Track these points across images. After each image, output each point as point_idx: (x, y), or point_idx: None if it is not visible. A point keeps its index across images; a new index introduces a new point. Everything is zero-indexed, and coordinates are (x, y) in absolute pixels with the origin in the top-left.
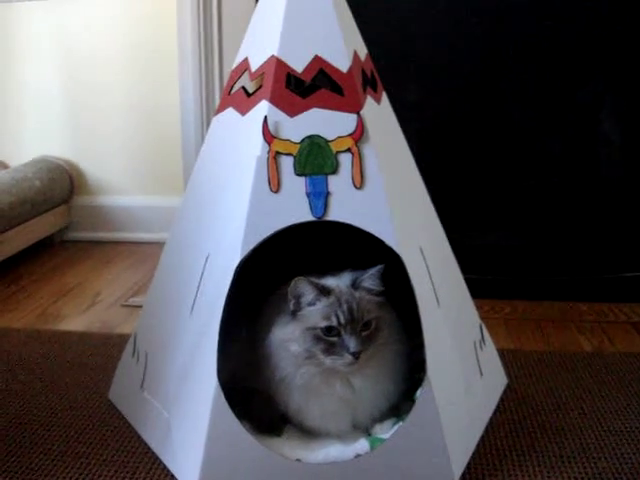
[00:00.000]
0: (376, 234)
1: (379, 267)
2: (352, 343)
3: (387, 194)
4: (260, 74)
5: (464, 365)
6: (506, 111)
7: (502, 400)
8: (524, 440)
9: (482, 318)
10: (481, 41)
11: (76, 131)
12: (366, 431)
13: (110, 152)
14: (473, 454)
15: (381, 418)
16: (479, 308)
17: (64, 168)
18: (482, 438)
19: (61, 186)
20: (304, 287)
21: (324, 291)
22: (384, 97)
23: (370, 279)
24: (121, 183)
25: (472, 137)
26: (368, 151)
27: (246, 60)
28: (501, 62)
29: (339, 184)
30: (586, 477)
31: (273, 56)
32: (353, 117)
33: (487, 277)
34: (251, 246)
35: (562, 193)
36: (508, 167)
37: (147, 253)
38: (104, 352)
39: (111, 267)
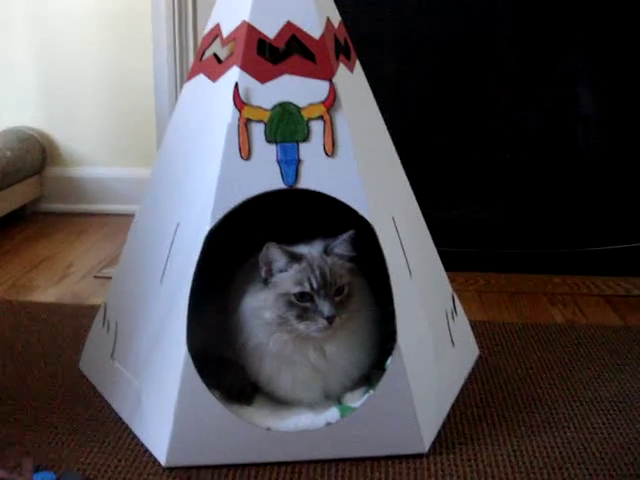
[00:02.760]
0: (348, 202)
1: (350, 232)
2: (326, 308)
3: (359, 162)
4: (231, 40)
5: (435, 335)
6: (482, 85)
7: (473, 370)
8: (495, 410)
9: (456, 290)
10: (458, 14)
11: (48, 101)
12: (337, 400)
13: (83, 122)
14: (444, 423)
15: (352, 387)
16: (453, 280)
17: (36, 139)
18: (453, 407)
19: (33, 157)
20: (275, 253)
21: (295, 257)
22: (357, 65)
23: (342, 245)
24: (94, 154)
25: (447, 111)
26: (340, 119)
27: (217, 26)
28: (478, 35)
29: (310, 152)
30: (555, 446)
31: (244, 22)
32: (325, 84)
33: (461, 250)
34: (221, 214)
35: (537, 167)
36: (484, 141)
37: (120, 225)
38: (75, 323)
39: (84, 239)
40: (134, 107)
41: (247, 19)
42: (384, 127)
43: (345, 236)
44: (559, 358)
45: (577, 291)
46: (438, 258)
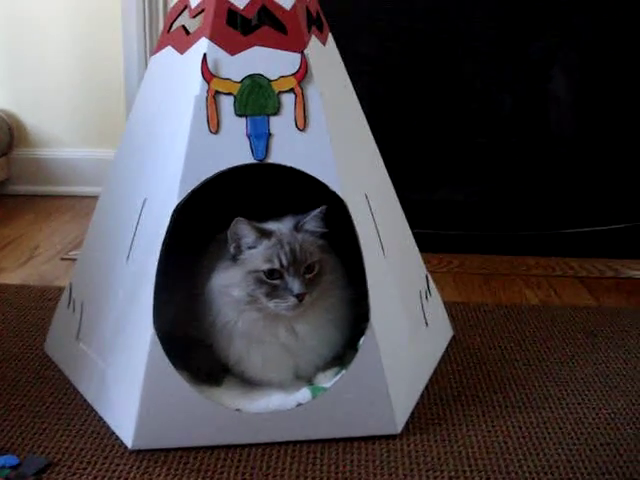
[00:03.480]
0: (319, 177)
1: (322, 208)
2: (295, 285)
3: (331, 137)
4: (200, 11)
5: (409, 314)
6: (457, 67)
7: (447, 351)
8: (469, 390)
9: (430, 272)
10: None
11: (15, 81)
12: (308, 380)
13: (51, 103)
14: (417, 403)
15: (324, 367)
16: (427, 262)
17: (3, 119)
18: (427, 388)
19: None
20: (244, 229)
21: (265, 233)
22: (330, 39)
23: (313, 221)
24: (62, 135)
25: (423, 93)
26: (312, 92)
27: None
28: (453, 16)
29: (281, 125)
30: (530, 426)
31: None
32: (296, 56)
33: (437, 232)
34: (189, 189)
35: (512, 150)
36: (458, 123)
37: (88, 207)
38: (41, 305)
39: (51, 221)
40: (103, 88)
41: None
42: (357, 102)
43: (316, 212)
44: (534, 338)
45: (551, 273)
46: (412, 238)
